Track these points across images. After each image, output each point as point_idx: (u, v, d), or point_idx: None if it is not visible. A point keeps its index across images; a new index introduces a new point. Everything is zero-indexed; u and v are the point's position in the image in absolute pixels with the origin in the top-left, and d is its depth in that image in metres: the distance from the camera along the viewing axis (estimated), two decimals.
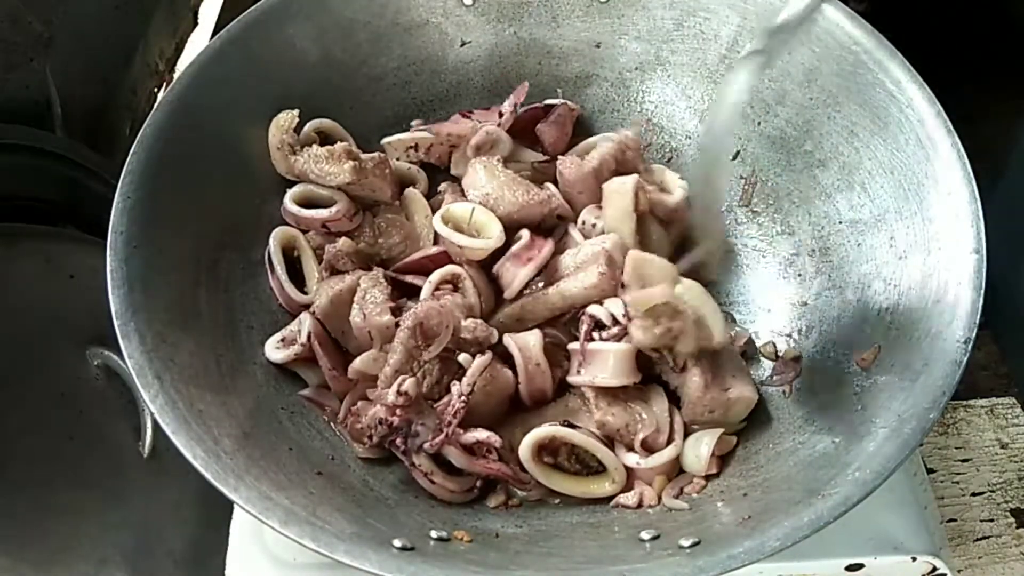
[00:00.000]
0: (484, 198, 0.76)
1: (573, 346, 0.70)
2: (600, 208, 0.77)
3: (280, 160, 0.77)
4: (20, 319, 0.84)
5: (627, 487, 0.67)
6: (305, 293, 0.75)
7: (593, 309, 0.69)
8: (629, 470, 0.67)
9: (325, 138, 0.81)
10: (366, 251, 0.77)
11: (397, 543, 0.56)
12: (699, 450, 0.67)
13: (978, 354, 1.00)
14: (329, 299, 0.72)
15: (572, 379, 0.69)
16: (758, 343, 0.76)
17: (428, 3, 0.85)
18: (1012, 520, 0.90)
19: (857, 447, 0.58)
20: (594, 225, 0.77)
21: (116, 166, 0.69)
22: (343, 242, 0.75)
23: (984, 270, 0.62)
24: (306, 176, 0.77)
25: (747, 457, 0.68)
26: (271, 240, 0.75)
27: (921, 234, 0.67)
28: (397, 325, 0.68)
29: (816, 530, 0.54)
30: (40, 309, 0.86)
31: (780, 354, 0.74)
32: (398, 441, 0.65)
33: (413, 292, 0.74)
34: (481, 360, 0.67)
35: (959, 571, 0.87)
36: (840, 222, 0.74)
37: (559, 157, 0.81)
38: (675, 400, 0.70)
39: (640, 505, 0.66)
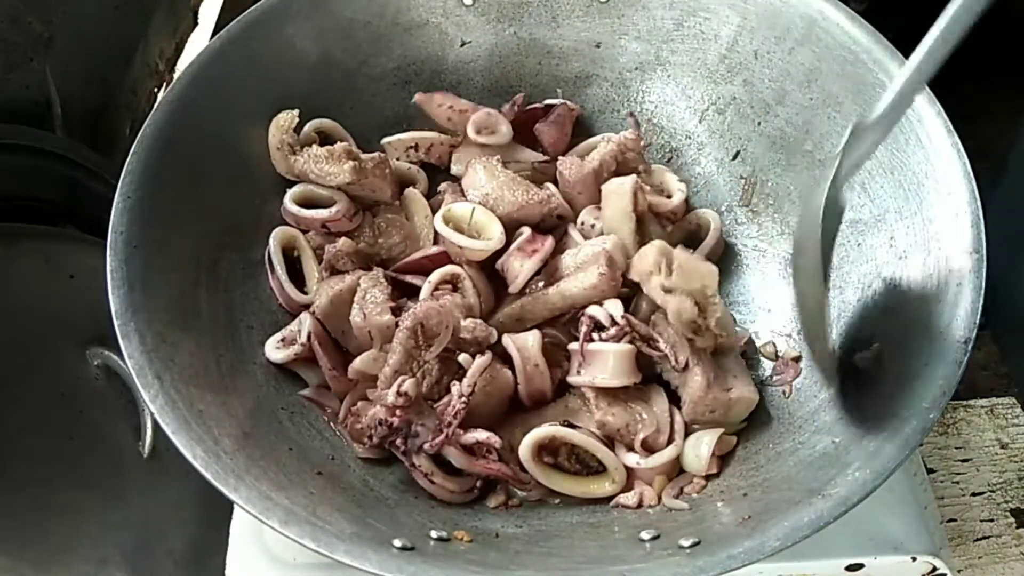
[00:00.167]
0: (484, 198, 0.76)
1: (573, 346, 0.70)
2: (599, 209, 0.77)
3: (280, 160, 0.77)
4: (20, 319, 0.84)
5: (627, 487, 0.67)
6: (305, 293, 0.75)
7: (592, 310, 0.69)
8: (629, 470, 0.67)
9: (325, 138, 0.81)
10: (366, 251, 0.77)
11: (397, 543, 0.56)
12: (699, 450, 0.67)
13: (978, 354, 1.00)
14: (329, 299, 0.72)
15: (572, 379, 0.69)
16: (758, 343, 0.76)
17: (428, 3, 0.85)
18: (1012, 520, 0.90)
19: (857, 447, 0.58)
20: (593, 226, 0.77)
21: (116, 166, 0.69)
22: (343, 242, 0.75)
23: (984, 270, 0.62)
24: (306, 176, 0.77)
25: (747, 457, 0.68)
26: (271, 240, 0.75)
27: (921, 234, 0.67)
28: (397, 325, 0.68)
29: (816, 530, 0.54)
30: (40, 309, 0.86)
31: (780, 354, 0.74)
32: (398, 442, 0.65)
33: (413, 292, 0.74)
34: (481, 360, 0.67)
35: (959, 571, 0.87)
36: (840, 222, 0.74)
37: (559, 157, 0.81)
38: (675, 400, 0.70)
39: (640, 505, 0.66)
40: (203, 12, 1.30)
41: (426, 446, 0.65)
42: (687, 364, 0.67)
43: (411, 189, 0.82)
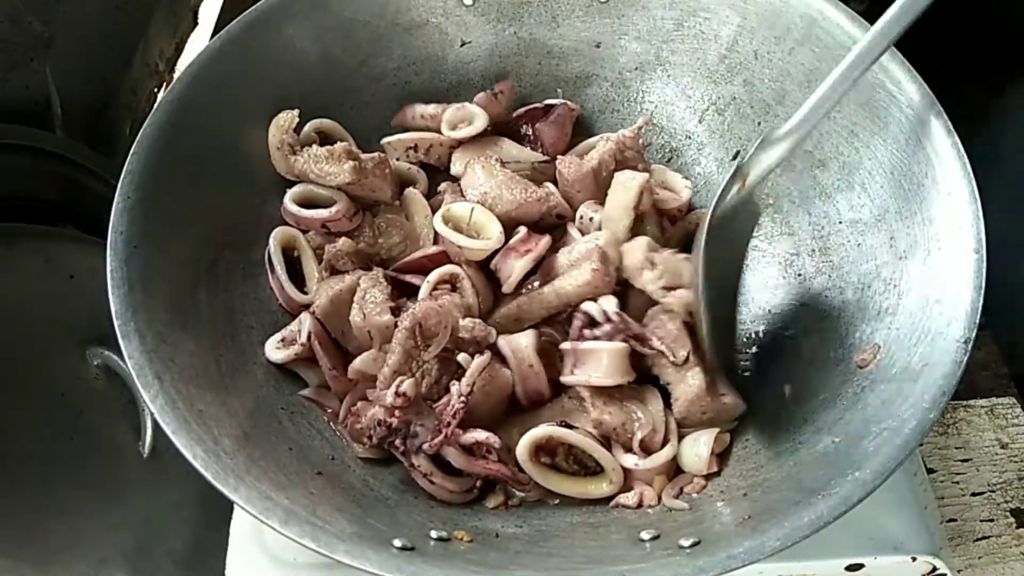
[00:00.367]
0: (482, 197, 0.76)
1: (565, 346, 0.70)
2: (598, 203, 0.77)
3: (280, 160, 0.77)
4: (20, 319, 0.84)
5: (625, 487, 0.67)
6: (305, 293, 0.75)
7: (586, 306, 0.69)
8: (627, 471, 0.67)
9: (325, 138, 0.81)
10: (366, 251, 0.77)
11: (397, 543, 0.56)
12: (698, 449, 0.67)
13: (978, 354, 1.00)
14: (329, 299, 0.72)
15: (565, 379, 0.69)
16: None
17: (428, 3, 0.85)
18: (1012, 520, 0.90)
19: (857, 447, 0.58)
20: (591, 219, 0.77)
21: (116, 166, 0.69)
22: (343, 242, 0.75)
23: (984, 270, 0.62)
24: (306, 176, 0.77)
25: (747, 457, 0.68)
26: (271, 240, 0.75)
27: (921, 234, 0.67)
28: (397, 325, 0.68)
29: (816, 530, 0.54)
30: (40, 309, 0.86)
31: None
32: (397, 442, 0.65)
33: (413, 292, 0.74)
34: (480, 360, 0.67)
35: (959, 571, 0.86)
36: (840, 222, 0.74)
37: (559, 157, 0.81)
38: (668, 402, 0.70)
39: (640, 505, 0.66)
40: (203, 12, 1.30)
41: (425, 446, 0.65)
42: (687, 359, 0.68)
43: (411, 189, 0.82)
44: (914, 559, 0.68)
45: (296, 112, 0.77)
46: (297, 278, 0.76)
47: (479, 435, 0.65)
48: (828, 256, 0.74)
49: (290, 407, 0.70)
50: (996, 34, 1.14)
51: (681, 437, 0.69)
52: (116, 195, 0.66)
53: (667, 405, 0.70)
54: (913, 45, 0.64)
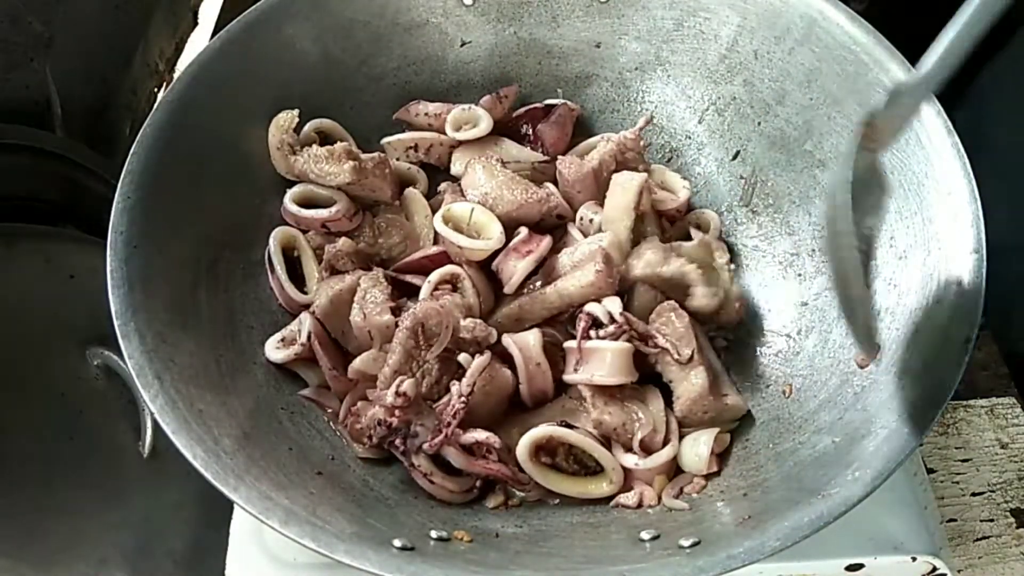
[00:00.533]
0: (483, 197, 0.76)
1: (569, 344, 0.70)
2: (598, 204, 0.77)
3: (280, 160, 0.77)
4: (20, 319, 0.84)
5: (625, 487, 0.67)
6: (305, 293, 0.75)
7: (591, 307, 0.69)
8: (627, 470, 0.67)
9: (325, 138, 0.81)
10: (366, 251, 0.77)
11: (397, 543, 0.56)
12: (698, 449, 0.67)
13: (978, 354, 0.99)
14: (329, 299, 0.72)
15: (568, 377, 0.69)
16: (757, 341, 0.76)
17: (428, 3, 0.85)
18: (1012, 520, 0.89)
19: (857, 447, 0.58)
20: (592, 220, 0.77)
21: (116, 166, 0.69)
22: (343, 242, 0.75)
23: (984, 270, 0.62)
24: (306, 176, 0.77)
25: (747, 457, 0.68)
26: (271, 240, 0.75)
27: (921, 234, 0.67)
28: (397, 325, 0.68)
29: (816, 530, 0.54)
30: (40, 309, 0.86)
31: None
32: (397, 442, 0.65)
33: (413, 292, 0.74)
34: (480, 360, 0.67)
35: (959, 571, 0.86)
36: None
37: (559, 157, 0.81)
38: (669, 401, 0.70)
39: (640, 505, 0.66)
40: (203, 12, 1.30)
41: (425, 446, 0.65)
42: (691, 358, 0.68)
43: (411, 189, 0.82)
44: (914, 559, 0.68)
45: (296, 112, 0.77)
46: (297, 278, 0.76)
47: (479, 435, 0.65)
48: None
49: (290, 407, 0.70)
50: (996, 33, 1.14)
51: (681, 437, 0.69)
52: (116, 195, 0.66)
53: (668, 404, 0.70)
54: (913, 45, 0.63)
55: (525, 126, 0.86)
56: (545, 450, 0.68)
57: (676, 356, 0.68)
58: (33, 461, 0.82)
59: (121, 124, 1.14)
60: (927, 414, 0.57)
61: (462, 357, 0.68)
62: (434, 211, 0.78)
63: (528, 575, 0.56)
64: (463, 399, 0.65)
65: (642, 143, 0.82)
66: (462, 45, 0.87)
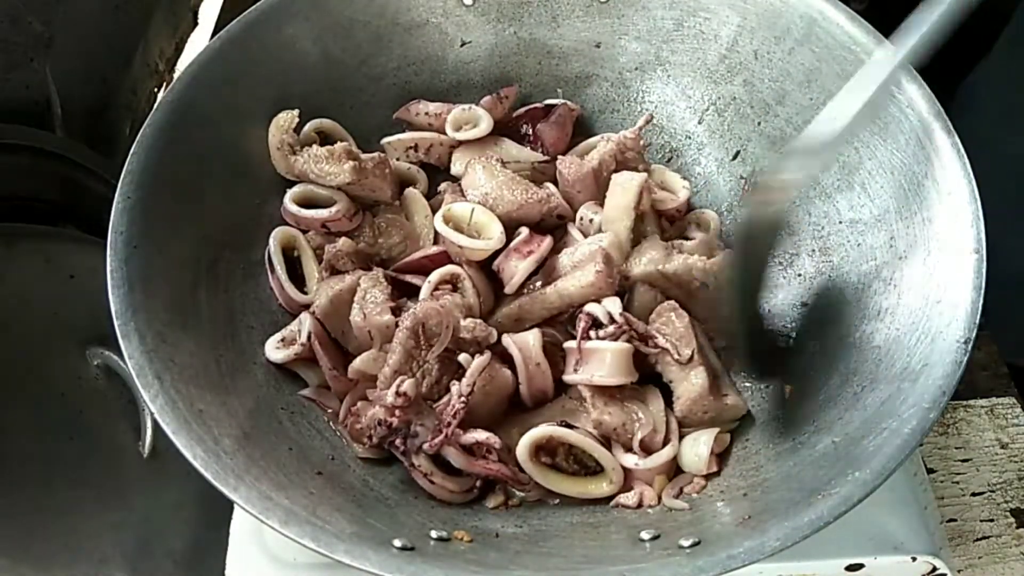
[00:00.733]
0: (483, 198, 0.76)
1: (569, 345, 0.70)
2: (598, 204, 0.77)
3: (280, 160, 0.77)
4: (20, 319, 0.84)
5: (625, 487, 0.67)
6: (305, 293, 0.75)
7: (591, 307, 0.69)
8: (627, 471, 0.67)
9: (325, 138, 0.81)
10: (366, 251, 0.77)
11: (397, 543, 0.56)
12: (698, 449, 0.67)
13: (978, 354, 0.99)
14: (329, 299, 0.72)
15: (568, 377, 0.69)
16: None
17: (428, 3, 0.85)
18: (1012, 520, 0.89)
19: (857, 447, 0.58)
20: (592, 220, 0.77)
21: (116, 166, 0.69)
22: (343, 242, 0.75)
23: (984, 270, 0.62)
24: (306, 176, 0.77)
25: (747, 457, 0.68)
26: (271, 240, 0.75)
27: (921, 234, 0.67)
28: (397, 325, 0.68)
29: (816, 530, 0.54)
30: (40, 309, 0.86)
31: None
32: (397, 442, 0.65)
33: (413, 292, 0.74)
34: (480, 360, 0.67)
35: (959, 571, 0.86)
36: (840, 222, 0.74)
37: (559, 157, 0.81)
38: (669, 401, 0.70)
39: (640, 505, 0.66)
40: (203, 12, 1.30)
41: (425, 446, 0.65)
42: (691, 358, 0.68)
43: (411, 189, 0.82)
44: (914, 559, 0.68)
45: (296, 112, 0.77)
46: (297, 278, 0.76)
47: (479, 435, 0.65)
48: (828, 256, 0.74)
49: (290, 407, 0.70)
50: (996, 34, 1.14)
51: (681, 437, 0.69)
52: (116, 195, 0.66)
53: (668, 404, 0.70)
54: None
55: (525, 126, 0.86)
56: (545, 450, 0.68)
57: (676, 356, 0.68)
58: (33, 461, 0.82)
59: (121, 124, 1.14)
60: (927, 414, 0.57)
61: (462, 357, 0.68)
62: (434, 211, 0.78)
63: (528, 575, 0.56)
64: (463, 399, 0.65)
65: (642, 143, 0.82)
66: (462, 45, 0.87)
